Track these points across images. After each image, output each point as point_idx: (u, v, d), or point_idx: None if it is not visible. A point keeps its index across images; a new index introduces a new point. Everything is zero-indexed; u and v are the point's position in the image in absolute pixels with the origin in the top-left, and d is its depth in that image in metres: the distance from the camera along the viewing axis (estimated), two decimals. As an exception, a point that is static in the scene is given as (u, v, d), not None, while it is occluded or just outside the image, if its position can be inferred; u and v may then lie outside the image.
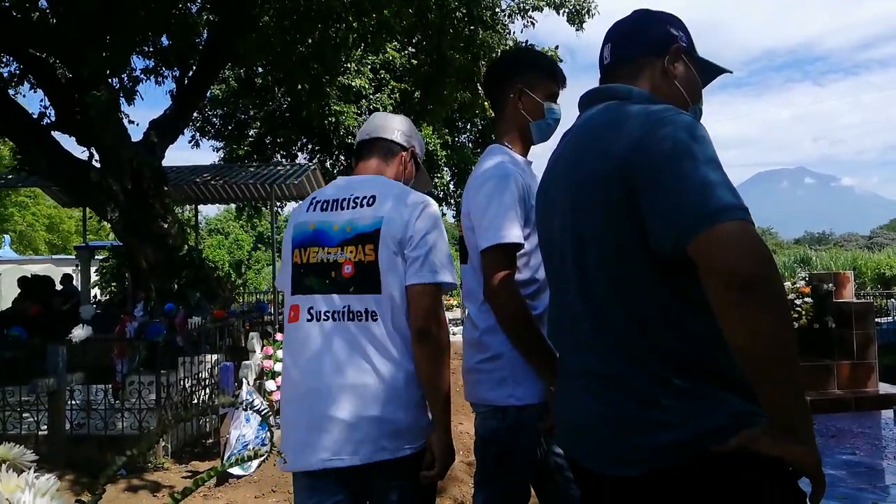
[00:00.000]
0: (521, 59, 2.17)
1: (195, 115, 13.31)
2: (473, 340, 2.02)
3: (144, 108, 8.04)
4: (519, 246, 1.88)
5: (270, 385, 5.43)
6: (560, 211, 1.36)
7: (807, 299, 5.01)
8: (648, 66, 1.39)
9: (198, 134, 14.60)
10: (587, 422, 1.29)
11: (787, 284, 5.29)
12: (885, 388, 4.77)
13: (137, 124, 10.21)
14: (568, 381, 1.39)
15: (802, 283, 5.24)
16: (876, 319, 5.66)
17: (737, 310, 1.04)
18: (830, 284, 5.03)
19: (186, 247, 8.27)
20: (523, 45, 11.37)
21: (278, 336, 5.73)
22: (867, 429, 3.07)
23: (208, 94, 12.86)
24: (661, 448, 1.16)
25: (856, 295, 6.54)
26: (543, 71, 2.06)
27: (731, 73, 1.51)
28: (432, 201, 1.87)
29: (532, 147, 2.13)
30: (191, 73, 8.98)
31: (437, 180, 14.46)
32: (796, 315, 4.97)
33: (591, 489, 1.34)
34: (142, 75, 9.02)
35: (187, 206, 14.76)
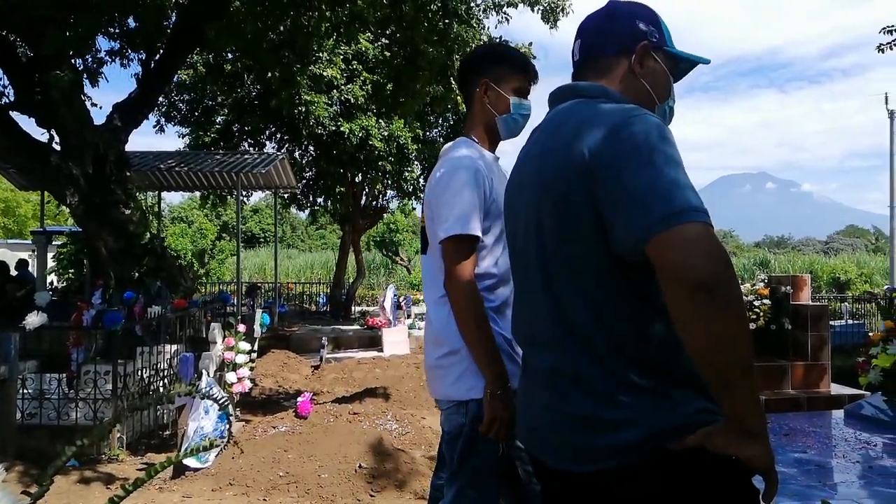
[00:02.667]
0: (490, 53, 2.15)
1: (161, 99, 13.02)
2: (431, 337, 2.05)
3: (109, 91, 7.83)
4: (478, 239, 1.89)
5: (231, 377, 5.36)
6: (525, 209, 1.36)
7: (765, 301, 5.13)
8: (617, 63, 1.39)
9: (163, 119, 14.28)
10: (548, 419, 1.30)
11: (747, 286, 5.41)
12: (836, 388, 4.92)
13: (101, 107, 9.92)
14: (530, 379, 1.40)
15: (761, 284, 5.35)
16: (830, 322, 5.82)
17: (693, 311, 1.05)
18: (788, 287, 5.15)
19: (148, 234, 8.10)
20: (497, 40, 11.39)
21: (240, 327, 5.65)
22: (818, 428, 3.16)
23: (175, 79, 12.58)
24: (620, 446, 1.18)
25: (812, 298, 6.71)
26: (512, 65, 2.05)
27: (708, 62, 1.49)
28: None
29: (503, 143, 2.13)
30: (157, 57, 8.77)
31: (407, 174, 14.39)
32: (754, 316, 5.08)
33: (552, 486, 1.35)
34: (107, 57, 8.77)
35: (150, 193, 14.45)
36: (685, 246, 1.05)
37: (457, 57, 9.77)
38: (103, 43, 12.28)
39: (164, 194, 14.19)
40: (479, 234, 1.89)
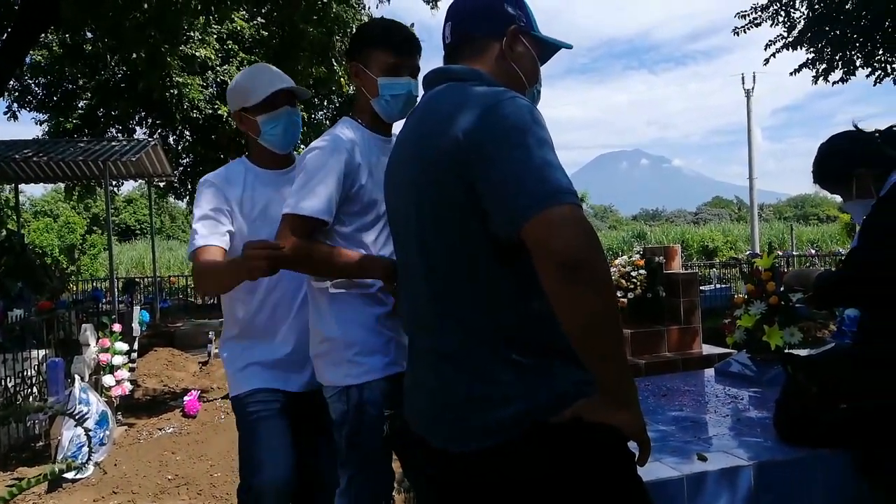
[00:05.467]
0: (358, 33, 2.07)
1: (12, 83, 11.87)
2: (311, 326, 2.02)
3: (-54, 74, 7.02)
4: (315, 221, 1.84)
5: (108, 380, 5.02)
6: (404, 193, 1.36)
7: (641, 271, 5.43)
8: (487, 46, 1.40)
9: (16, 105, 13.02)
10: (431, 400, 1.33)
11: (624, 258, 5.70)
12: (707, 349, 5.31)
13: (-61, 92, 8.90)
14: (415, 363, 1.41)
15: (637, 256, 5.66)
16: (700, 287, 6.26)
17: (565, 289, 1.09)
18: (661, 257, 5.48)
19: (5, 231, 7.41)
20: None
21: (115, 327, 5.29)
22: (693, 387, 3.38)
23: (27, 61, 11.50)
24: (500, 423, 1.21)
25: (683, 266, 7.18)
26: (377, 44, 1.95)
27: (571, 47, 1.53)
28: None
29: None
30: (4, 37, 7.97)
31: (296, 156, 13.91)
32: (632, 286, 5.37)
33: (436, 465, 1.36)
34: (-58, 35, 7.87)
35: (6, 186, 13.21)
36: (556, 228, 1.08)
37: (336, 38, 9.55)
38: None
39: (24, 187, 13.02)
40: (317, 216, 1.85)
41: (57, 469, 1.02)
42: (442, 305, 1.28)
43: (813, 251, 21.77)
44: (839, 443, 2.23)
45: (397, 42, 1.95)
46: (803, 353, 3.09)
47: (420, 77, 1.84)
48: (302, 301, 2.13)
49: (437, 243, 1.27)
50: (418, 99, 1.97)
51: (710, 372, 3.76)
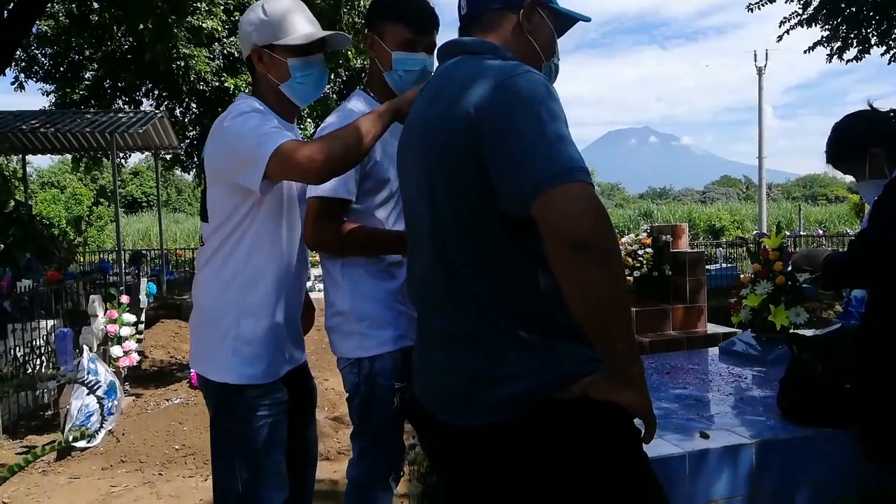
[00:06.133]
0: (374, 4, 2.03)
1: (19, 53, 11.81)
2: (325, 298, 2.04)
3: (-48, 43, 6.98)
4: (339, 202, 1.86)
5: (117, 350, 5.07)
6: (416, 169, 1.35)
7: (648, 249, 5.41)
8: (504, 19, 1.37)
9: (22, 75, 12.97)
10: (440, 377, 1.33)
11: (631, 236, 5.67)
12: (712, 328, 5.31)
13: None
14: (425, 341, 1.41)
15: (644, 234, 5.64)
16: (706, 266, 6.24)
17: (574, 268, 1.08)
18: (668, 236, 5.46)
19: (12, 202, 7.42)
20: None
21: (123, 298, 5.33)
22: (696, 365, 3.39)
23: (34, 31, 11.42)
24: (509, 399, 1.21)
25: (690, 245, 7.16)
26: (394, 17, 1.93)
27: (589, 20, 1.50)
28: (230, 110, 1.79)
29: None
30: (11, 6, 7.90)
31: (301, 132, 13.87)
32: (638, 264, 5.36)
33: (446, 441, 1.38)
34: (-53, 4, 7.82)
35: (14, 157, 13.22)
36: (567, 205, 1.07)
37: (345, 10, 9.44)
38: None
39: (31, 158, 12.96)
40: (339, 196, 1.85)
41: (71, 437, 1.04)
42: (452, 283, 1.27)
43: (821, 231, 21.64)
44: (843, 422, 2.24)
45: (415, 16, 1.93)
46: (809, 333, 3.08)
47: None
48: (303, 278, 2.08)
49: (449, 221, 1.26)
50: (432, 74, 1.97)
51: (714, 350, 3.76)
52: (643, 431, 1.27)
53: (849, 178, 2.41)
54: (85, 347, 4.45)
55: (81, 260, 13.14)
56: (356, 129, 1.67)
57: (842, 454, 2.26)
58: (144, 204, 35.65)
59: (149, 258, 16.46)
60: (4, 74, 8.41)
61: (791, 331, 3.16)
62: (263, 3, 1.87)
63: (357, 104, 1.97)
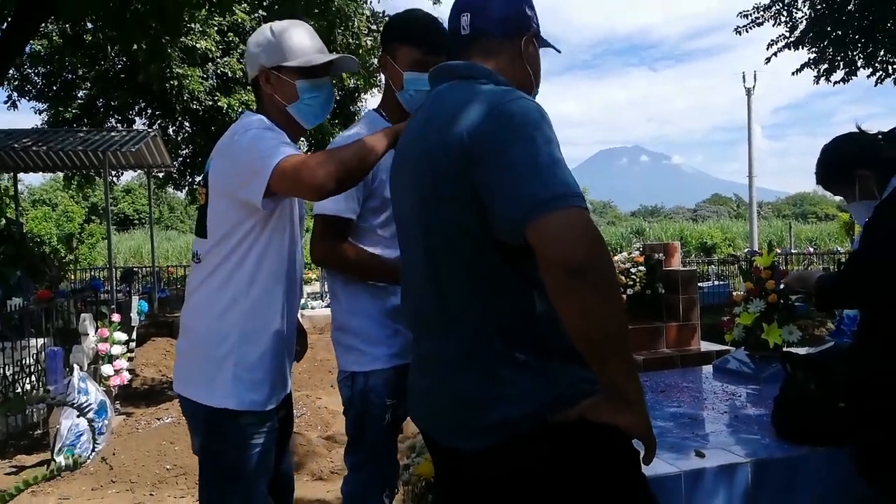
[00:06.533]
0: (389, 26, 2.07)
1: (11, 72, 11.82)
2: (331, 313, 2.11)
3: (-54, 61, 6.98)
4: (341, 220, 1.91)
5: (107, 369, 5.03)
6: (409, 192, 1.35)
7: (640, 268, 5.42)
8: (503, 46, 1.38)
9: (15, 94, 12.96)
10: (436, 399, 1.33)
11: (624, 255, 5.69)
12: (705, 345, 5.31)
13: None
14: (418, 363, 1.41)
15: (637, 252, 5.65)
16: (698, 284, 6.26)
17: (571, 294, 1.09)
18: (661, 254, 5.47)
19: (4, 220, 7.39)
20: (380, 14, 11.24)
21: (114, 317, 5.29)
22: (691, 383, 3.39)
23: (27, 50, 11.44)
24: (505, 421, 1.21)
25: (682, 262, 7.19)
26: (403, 39, 1.97)
27: (560, 52, 1.55)
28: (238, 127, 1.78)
29: None
30: (4, 26, 7.92)
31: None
32: (631, 283, 5.37)
33: (442, 462, 1.38)
34: (-58, 24, 7.82)
35: (5, 175, 13.18)
36: (562, 231, 1.08)
37: (339, 31, 9.52)
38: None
39: (22, 175, 12.96)
40: (340, 214, 1.89)
41: (63, 463, 1.04)
42: (445, 305, 1.28)
43: (811, 249, 21.79)
44: (837, 442, 2.24)
45: (424, 38, 1.95)
46: (802, 351, 3.09)
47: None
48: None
49: (442, 244, 1.26)
50: None
51: (708, 369, 3.76)
52: (643, 453, 1.27)
53: (838, 197, 2.43)
54: (75, 366, 4.41)
55: (73, 278, 13.07)
56: (359, 148, 1.67)
57: (837, 474, 2.26)
58: (136, 221, 35.53)
59: (140, 276, 16.38)
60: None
61: (784, 349, 3.17)
62: (272, 25, 1.88)
63: (367, 124, 2.02)
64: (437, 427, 1.34)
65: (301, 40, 1.85)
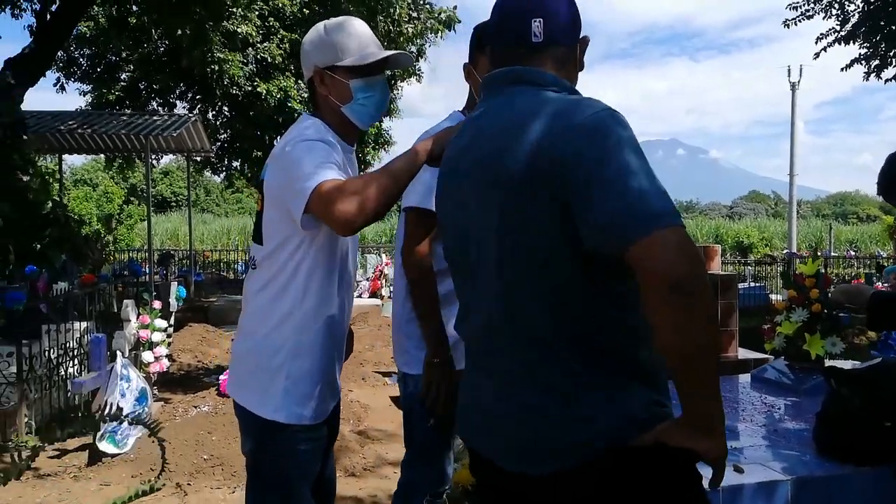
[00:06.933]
0: (472, 38, 2.08)
1: (59, 54, 12.08)
2: (393, 310, 2.19)
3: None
4: (428, 212, 1.90)
5: (147, 356, 5.14)
6: (475, 200, 1.30)
7: (679, 270, 5.34)
8: (567, 55, 1.35)
9: (62, 76, 13.25)
10: (499, 419, 1.28)
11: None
12: (743, 353, 5.21)
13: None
14: (479, 376, 1.36)
15: (675, 254, 5.56)
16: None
17: (671, 309, 1.08)
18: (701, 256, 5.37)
19: (50, 203, 7.57)
20: (421, 2, 11.21)
21: (156, 304, 5.40)
22: (728, 392, 3.32)
23: (74, 32, 11.68)
24: (576, 445, 1.19)
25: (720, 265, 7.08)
26: (482, 47, 1.96)
27: None
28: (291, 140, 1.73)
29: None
30: (54, 7, 8.09)
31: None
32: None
33: (498, 485, 1.33)
34: (-5, 7, 8.04)
35: (49, 157, 13.52)
36: (668, 250, 1.07)
37: (380, 18, 9.52)
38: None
39: (66, 156, 13.26)
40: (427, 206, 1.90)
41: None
42: (515, 322, 1.24)
43: (852, 252, 21.21)
44: (882, 461, 2.18)
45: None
46: (847, 365, 3.02)
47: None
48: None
49: (518, 258, 1.22)
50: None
51: (745, 378, 3.69)
52: (710, 478, 1.25)
53: (881, 198, 2.36)
54: (118, 353, 4.51)
55: (112, 258, 13.36)
56: (394, 175, 1.65)
57: (882, 493, 2.21)
58: (173, 203, 36.21)
59: (176, 258, 16.70)
60: (45, 76, 8.61)
61: (828, 363, 3.10)
62: (325, 23, 1.84)
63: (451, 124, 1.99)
64: (496, 448, 1.30)
65: (354, 37, 1.80)
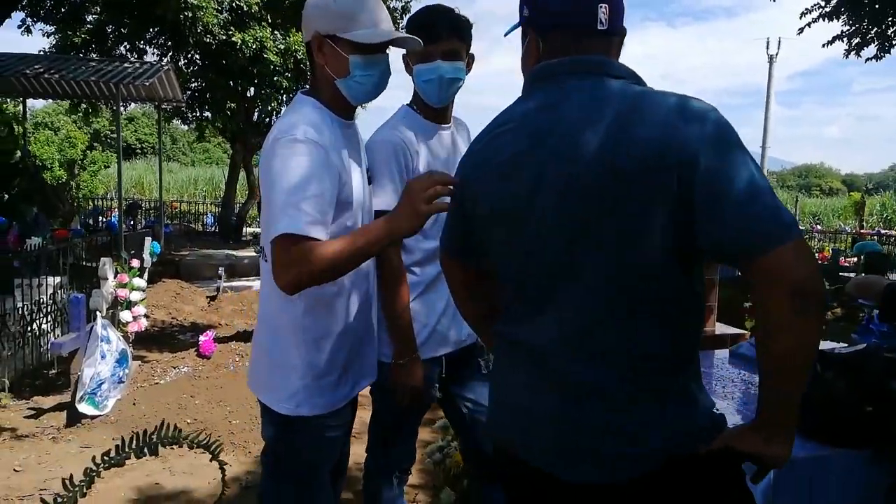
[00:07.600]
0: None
1: (20, -8, 11.45)
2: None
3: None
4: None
5: (126, 315, 5.05)
6: (552, 196, 1.21)
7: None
8: (620, 43, 1.31)
9: (28, 17, 12.58)
10: (562, 431, 1.24)
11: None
12: (721, 328, 5.30)
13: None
14: (537, 388, 1.29)
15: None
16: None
17: (795, 321, 1.09)
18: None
19: (19, 153, 7.28)
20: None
21: (133, 262, 5.28)
22: (707, 368, 3.35)
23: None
24: (641, 454, 1.19)
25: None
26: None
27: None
28: (278, 136, 1.61)
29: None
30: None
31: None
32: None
33: (548, 494, 1.29)
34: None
35: (10, 100, 12.92)
36: (799, 260, 1.08)
37: None
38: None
39: (29, 100, 12.71)
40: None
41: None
42: (584, 331, 1.21)
43: (818, 227, 21.61)
44: (863, 444, 2.25)
45: (424, 31, 1.89)
46: (827, 346, 3.08)
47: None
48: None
49: (606, 259, 1.17)
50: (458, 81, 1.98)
51: (723, 353, 3.74)
52: (755, 473, 1.26)
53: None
54: (97, 313, 4.42)
55: (80, 209, 12.96)
56: (359, 249, 1.57)
57: (861, 475, 2.28)
58: (139, 150, 35.10)
59: (143, 209, 16.32)
60: (10, 17, 8.16)
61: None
62: None
63: (402, 130, 2.02)
64: (548, 455, 1.26)
65: (363, 11, 1.66)
